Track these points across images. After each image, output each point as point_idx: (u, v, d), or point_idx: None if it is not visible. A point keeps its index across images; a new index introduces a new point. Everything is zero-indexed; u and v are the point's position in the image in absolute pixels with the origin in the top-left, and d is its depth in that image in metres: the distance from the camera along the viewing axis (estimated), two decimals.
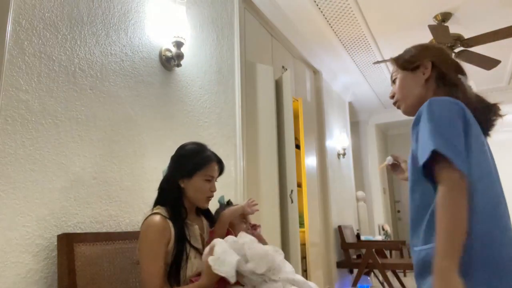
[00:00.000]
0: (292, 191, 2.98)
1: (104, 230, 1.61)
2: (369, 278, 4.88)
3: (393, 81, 1.25)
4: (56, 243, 1.39)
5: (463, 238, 0.87)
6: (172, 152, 1.51)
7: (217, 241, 1.31)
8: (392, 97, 1.25)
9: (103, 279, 1.43)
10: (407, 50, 1.24)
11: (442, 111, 0.98)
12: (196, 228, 1.45)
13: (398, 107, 1.24)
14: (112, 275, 1.46)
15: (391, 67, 1.29)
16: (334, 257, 4.42)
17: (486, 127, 1.10)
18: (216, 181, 1.50)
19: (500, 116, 1.11)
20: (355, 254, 4.70)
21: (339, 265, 4.46)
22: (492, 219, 0.94)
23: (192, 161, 1.44)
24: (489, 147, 1.07)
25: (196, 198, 1.45)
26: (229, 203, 1.62)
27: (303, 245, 3.37)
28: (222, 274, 1.22)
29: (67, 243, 1.37)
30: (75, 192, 1.52)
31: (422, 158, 0.94)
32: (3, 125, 1.30)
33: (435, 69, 1.15)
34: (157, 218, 1.35)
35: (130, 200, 1.76)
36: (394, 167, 1.45)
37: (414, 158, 1.03)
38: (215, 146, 2.40)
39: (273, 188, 2.85)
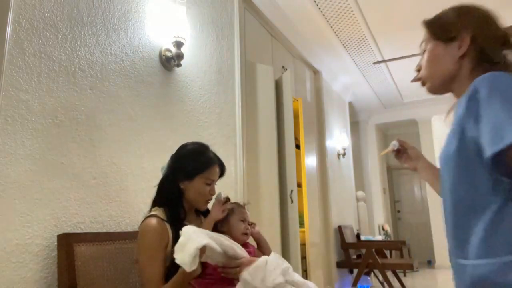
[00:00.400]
0: (292, 191, 2.98)
1: (104, 230, 1.61)
2: (369, 278, 4.88)
3: (423, 52, 1.05)
4: (56, 243, 1.39)
5: None
6: (172, 152, 1.51)
7: (183, 230, 1.22)
8: (418, 70, 1.05)
9: (103, 279, 1.43)
10: (444, 13, 1.02)
11: (510, 87, 0.79)
12: None
13: (423, 85, 1.04)
14: (112, 275, 1.46)
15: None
16: (334, 257, 4.42)
17: None
18: (216, 184, 1.48)
19: None
20: (355, 254, 4.71)
21: (339, 265, 4.46)
22: None
23: (194, 163, 1.42)
24: None
25: (195, 200, 1.44)
26: (226, 201, 1.55)
27: (303, 245, 3.37)
28: (177, 262, 1.13)
29: (67, 243, 1.37)
30: (75, 192, 1.52)
31: (494, 144, 0.73)
32: (3, 125, 1.30)
33: (474, 43, 0.94)
34: (154, 221, 1.32)
35: (130, 200, 1.76)
36: (399, 153, 1.27)
37: (468, 143, 0.81)
38: (215, 146, 2.40)
39: (273, 188, 2.86)
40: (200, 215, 1.54)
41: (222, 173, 1.50)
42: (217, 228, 1.48)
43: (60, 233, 1.41)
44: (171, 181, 1.42)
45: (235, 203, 1.57)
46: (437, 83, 1.01)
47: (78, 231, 1.50)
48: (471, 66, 0.94)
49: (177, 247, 1.16)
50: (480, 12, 0.99)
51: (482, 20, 0.97)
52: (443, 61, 0.98)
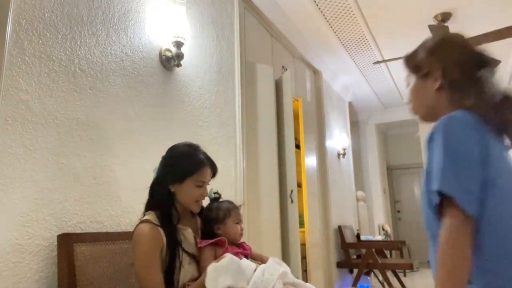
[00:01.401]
0: (292, 191, 2.98)
1: (104, 230, 1.61)
2: (369, 278, 4.88)
3: (408, 85, 1.14)
4: (56, 243, 1.39)
5: (464, 284, 0.81)
6: None
7: (228, 256, 1.27)
8: (409, 103, 1.15)
9: (103, 279, 1.43)
10: (417, 51, 1.12)
11: (457, 137, 0.89)
12: (189, 232, 1.41)
13: (414, 114, 1.13)
14: (112, 275, 1.46)
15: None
16: (334, 257, 4.42)
17: (509, 136, 0.98)
18: (208, 184, 1.45)
19: None
20: (355, 254, 4.71)
21: (339, 265, 4.46)
22: None
23: (184, 166, 1.38)
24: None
25: (186, 203, 1.41)
26: (217, 198, 1.55)
27: (303, 245, 3.37)
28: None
29: (67, 243, 1.37)
30: (75, 192, 1.52)
31: (433, 198, 0.88)
32: (3, 125, 1.30)
33: (446, 76, 1.01)
34: (147, 228, 1.30)
35: (130, 200, 1.76)
36: None
37: (428, 177, 0.93)
38: (215, 146, 2.41)
39: (273, 188, 2.86)
40: (195, 216, 1.51)
41: (214, 174, 1.46)
42: (213, 230, 1.46)
43: (60, 233, 1.41)
44: (161, 184, 1.39)
45: (228, 201, 1.54)
46: (423, 114, 1.10)
47: (78, 231, 1.50)
48: (448, 96, 1.01)
49: (212, 269, 1.21)
50: (448, 45, 1.07)
51: (450, 53, 1.04)
52: (423, 94, 1.07)
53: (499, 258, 0.85)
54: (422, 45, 1.12)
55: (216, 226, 1.47)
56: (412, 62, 1.12)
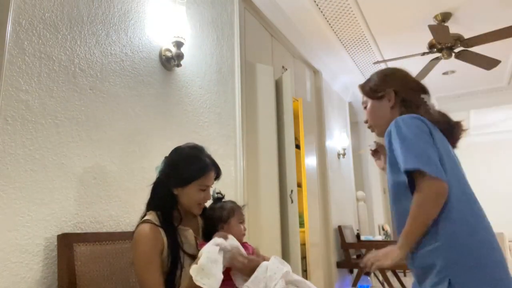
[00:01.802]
0: (292, 191, 2.98)
1: (104, 230, 1.61)
2: (369, 278, 4.88)
3: (365, 108, 1.37)
4: (56, 243, 1.39)
5: (418, 237, 1.09)
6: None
7: (204, 250, 1.24)
8: (366, 121, 1.38)
9: (103, 279, 1.43)
10: (371, 79, 1.36)
11: (408, 127, 1.12)
12: (190, 233, 1.40)
13: (372, 131, 1.37)
14: (112, 275, 1.46)
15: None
16: (334, 257, 4.42)
17: (452, 141, 1.23)
18: (211, 187, 1.44)
19: (464, 131, 1.24)
20: (355, 254, 4.71)
21: (339, 265, 4.46)
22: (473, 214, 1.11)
23: (188, 170, 1.36)
24: (455, 155, 1.20)
25: (189, 206, 1.40)
26: (220, 198, 1.53)
27: (303, 245, 3.36)
28: (205, 287, 1.15)
29: (67, 243, 1.37)
30: (75, 192, 1.52)
31: (403, 176, 1.11)
32: (3, 125, 1.30)
33: (398, 96, 1.28)
34: (147, 228, 1.29)
35: (130, 200, 1.76)
36: (376, 154, 1.50)
37: (393, 167, 1.16)
38: (215, 146, 2.41)
39: (273, 188, 2.85)
40: (196, 216, 1.50)
41: (217, 176, 1.45)
42: (217, 229, 1.44)
43: (60, 233, 1.41)
44: (164, 186, 1.38)
45: (231, 201, 1.53)
46: (380, 129, 1.33)
47: (78, 231, 1.50)
48: (400, 112, 1.26)
49: (197, 270, 1.17)
50: (396, 73, 1.35)
51: (400, 78, 1.33)
52: (380, 113, 1.32)
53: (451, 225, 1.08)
54: (375, 75, 1.37)
55: (220, 226, 1.45)
56: (368, 88, 1.36)
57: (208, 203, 1.50)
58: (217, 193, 1.53)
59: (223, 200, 1.54)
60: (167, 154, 1.49)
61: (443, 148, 1.14)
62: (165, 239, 1.30)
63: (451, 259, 1.05)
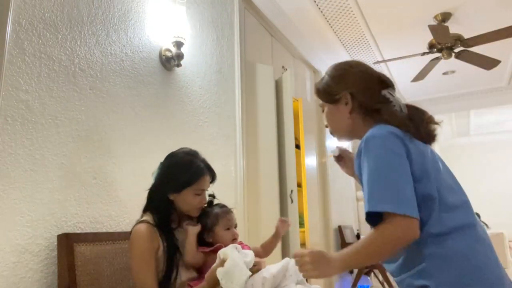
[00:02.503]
0: (292, 191, 2.98)
1: (104, 230, 1.61)
2: (369, 278, 4.88)
3: (323, 111, 1.23)
4: (56, 243, 1.39)
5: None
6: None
7: (227, 252, 1.26)
8: (327, 126, 1.24)
9: (103, 279, 1.43)
10: (325, 82, 1.20)
11: (379, 153, 0.97)
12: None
13: (333, 136, 1.24)
14: (112, 275, 1.46)
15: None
16: None
17: (428, 139, 1.08)
18: (207, 190, 1.46)
19: (437, 123, 1.10)
20: None
21: None
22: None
23: (183, 176, 1.38)
24: (439, 157, 1.08)
25: (186, 210, 1.42)
26: (212, 201, 1.53)
27: (303, 245, 3.37)
28: None
29: (67, 243, 1.37)
30: (75, 192, 1.52)
31: (368, 205, 0.96)
32: (3, 125, 1.30)
33: (354, 99, 1.12)
34: (143, 227, 1.32)
35: (130, 200, 1.76)
36: (341, 160, 1.37)
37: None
38: (215, 146, 2.41)
39: (273, 188, 2.85)
40: (194, 218, 1.50)
41: (212, 180, 1.47)
42: (203, 237, 1.45)
43: (60, 233, 1.41)
44: (160, 192, 1.40)
45: (220, 206, 1.52)
46: (341, 135, 1.21)
47: (78, 231, 1.50)
48: (361, 116, 1.12)
49: (224, 273, 1.20)
50: (352, 71, 1.16)
51: (355, 79, 1.14)
52: (338, 118, 1.17)
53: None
54: (328, 74, 1.20)
55: (206, 235, 1.45)
56: (323, 92, 1.20)
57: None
58: (209, 195, 1.53)
59: (214, 203, 1.53)
60: (167, 154, 1.50)
61: (422, 160, 1.00)
62: (160, 238, 1.33)
63: (443, 280, 0.93)
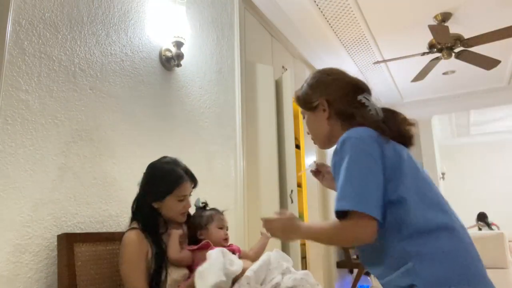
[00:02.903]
0: (292, 191, 2.98)
1: (104, 230, 1.61)
2: (369, 278, 4.87)
3: (304, 118, 1.27)
4: (56, 243, 1.39)
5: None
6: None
7: (211, 253, 1.32)
8: (308, 133, 1.27)
9: (103, 279, 1.43)
10: (303, 90, 1.24)
11: (353, 154, 1.00)
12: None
13: (314, 143, 1.27)
14: (112, 275, 1.46)
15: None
16: (334, 257, 4.42)
17: (404, 141, 1.11)
18: (190, 195, 1.50)
19: (411, 124, 1.13)
20: (355, 254, 4.70)
21: (339, 265, 4.46)
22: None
23: (163, 184, 1.43)
24: (414, 161, 1.09)
25: (171, 217, 1.47)
26: (205, 207, 1.61)
27: (303, 245, 3.37)
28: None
29: (67, 243, 1.37)
30: (75, 192, 1.52)
31: (337, 204, 1.00)
32: (3, 125, 1.30)
33: (331, 105, 1.16)
34: (132, 234, 1.37)
35: (130, 200, 1.74)
36: (318, 174, 1.40)
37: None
38: (215, 146, 2.41)
39: (273, 188, 2.85)
40: (182, 224, 1.55)
41: (194, 185, 1.51)
42: (197, 236, 1.51)
43: (60, 233, 1.41)
44: (143, 202, 1.45)
45: (213, 209, 1.59)
46: (321, 142, 1.23)
47: (78, 231, 1.50)
48: (339, 122, 1.15)
49: (199, 272, 1.26)
50: (328, 78, 1.21)
51: (330, 86, 1.18)
52: (317, 125, 1.20)
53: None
54: (306, 82, 1.24)
55: (199, 233, 1.52)
56: (301, 100, 1.24)
57: (193, 211, 1.57)
58: (202, 203, 1.61)
59: (207, 208, 1.60)
60: (167, 154, 1.51)
61: (398, 160, 1.03)
62: (149, 243, 1.38)
63: (430, 279, 0.94)
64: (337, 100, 1.15)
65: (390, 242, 1.00)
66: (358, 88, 1.17)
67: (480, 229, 7.32)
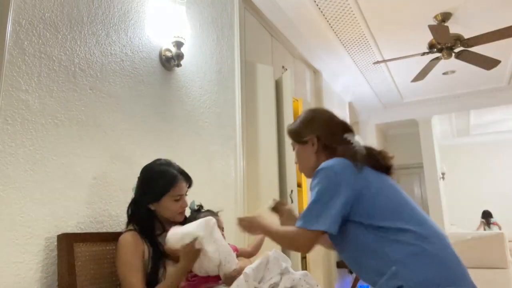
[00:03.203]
0: (292, 191, 2.98)
1: (104, 230, 1.61)
2: None
3: (293, 149, 1.42)
4: (56, 243, 1.39)
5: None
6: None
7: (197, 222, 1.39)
8: (296, 163, 1.42)
9: (103, 279, 1.43)
10: (296, 125, 1.40)
11: (322, 180, 1.19)
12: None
13: (301, 173, 1.42)
14: (112, 275, 1.46)
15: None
16: (334, 257, 4.42)
17: (385, 170, 1.27)
18: (186, 195, 1.52)
19: (390, 157, 1.30)
20: None
21: (339, 265, 4.45)
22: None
23: (158, 185, 1.45)
24: (392, 183, 1.25)
25: (168, 216, 1.49)
26: (200, 209, 1.63)
27: None
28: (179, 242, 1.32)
29: (67, 243, 1.37)
30: (75, 192, 1.52)
31: (299, 221, 1.20)
32: (3, 125, 1.30)
33: (320, 141, 1.33)
34: (128, 235, 1.40)
35: (130, 200, 1.75)
36: (276, 211, 1.53)
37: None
38: (215, 146, 2.41)
39: (273, 188, 2.85)
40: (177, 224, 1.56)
41: (189, 185, 1.54)
42: None
43: (60, 233, 1.41)
44: (139, 205, 1.47)
45: (208, 210, 1.61)
46: (307, 172, 1.37)
47: (78, 231, 1.50)
48: (325, 154, 1.30)
49: (174, 238, 1.35)
50: (320, 118, 1.38)
51: (322, 124, 1.36)
52: (306, 157, 1.36)
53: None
54: (299, 119, 1.41)
55: None
56: (293, 133, 1.41)
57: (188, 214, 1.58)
58: (197, 205, 1.63)
59: (202, 211, 1.62)
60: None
61: (377, 180, 1.21)
62: (145, 244, 1.40)
63: (418, 279, 1.06)
64: (325, 137, 1.32)
65: (371, 252, 1.14)
66: (345, 128, 1.35)
67: (484, 229, 7.31)
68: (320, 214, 1.15)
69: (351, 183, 1.17)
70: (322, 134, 1.33)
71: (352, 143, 1.29)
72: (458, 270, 1.09)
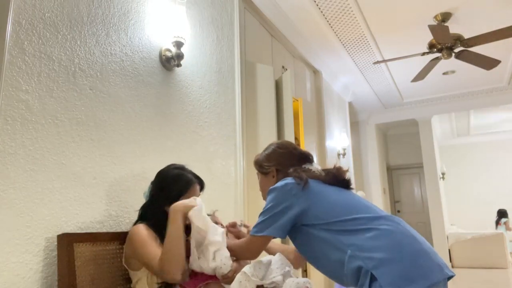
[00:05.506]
0: None
1: (104, 230, 1.61)
2: None
3: (258, 178, 1.61)
4: (56, 243, 1.39)
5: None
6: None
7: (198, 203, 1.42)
8: (260, 190, 1.60)
9: (103, 279, 1.43)
10: (261, 157, 1.59)
11: (272, 197, 1.36)
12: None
13: (264, 198, 1.53)
14: (112, 275, 1.46)
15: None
16: None
17: (343, 184, 1.42)
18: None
19: (346, 171, 1.46)
20: None
21: None
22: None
23: (175, 187, 1.50)
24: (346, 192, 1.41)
25: None
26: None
27: None
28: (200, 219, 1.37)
29: (67, 243, 1.37)
30: (75, 192, 1.52)
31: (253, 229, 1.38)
32: (3, 125, 1.30)
33: (280, 171, 1.51)
34: (141, 225, 1.42)
35: (130, 200, 1.76)
36: (230, 231, 1.65)
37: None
38: (215, 146, 2.41)
39: None
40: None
41: (201, 188, 1.60)
42: (186, 237, 1.49)
43: (60, 233, 1.41)
44: (156, 207, 1.49)
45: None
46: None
47: (78, 231, 1.50)
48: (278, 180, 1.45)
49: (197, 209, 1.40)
50: (281, 152, 1.56)
51: (282, 157, 1.54)
52: (266, 186, 1.53)
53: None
54: (264, 151, 1.60)
55: (189, 233, 1.51)
56: (257, 164, 1.60)
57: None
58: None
59: None
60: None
61: (321, 191, 1.36)
62: (157, 238, 1.41)
63: (391, 278, 1.13)
64: (284, 168, 1.49)
65: (328, 245, 1.26)
66: (304, 158, 1.52)
67: (496, 228, 7.30)
68: (270, 224, 1.32)
69: (297, 195, 1.33)
70: (281, 166, 1.51)
71: (312, 170, 1.45)
72: (414, 244, 1.18)
